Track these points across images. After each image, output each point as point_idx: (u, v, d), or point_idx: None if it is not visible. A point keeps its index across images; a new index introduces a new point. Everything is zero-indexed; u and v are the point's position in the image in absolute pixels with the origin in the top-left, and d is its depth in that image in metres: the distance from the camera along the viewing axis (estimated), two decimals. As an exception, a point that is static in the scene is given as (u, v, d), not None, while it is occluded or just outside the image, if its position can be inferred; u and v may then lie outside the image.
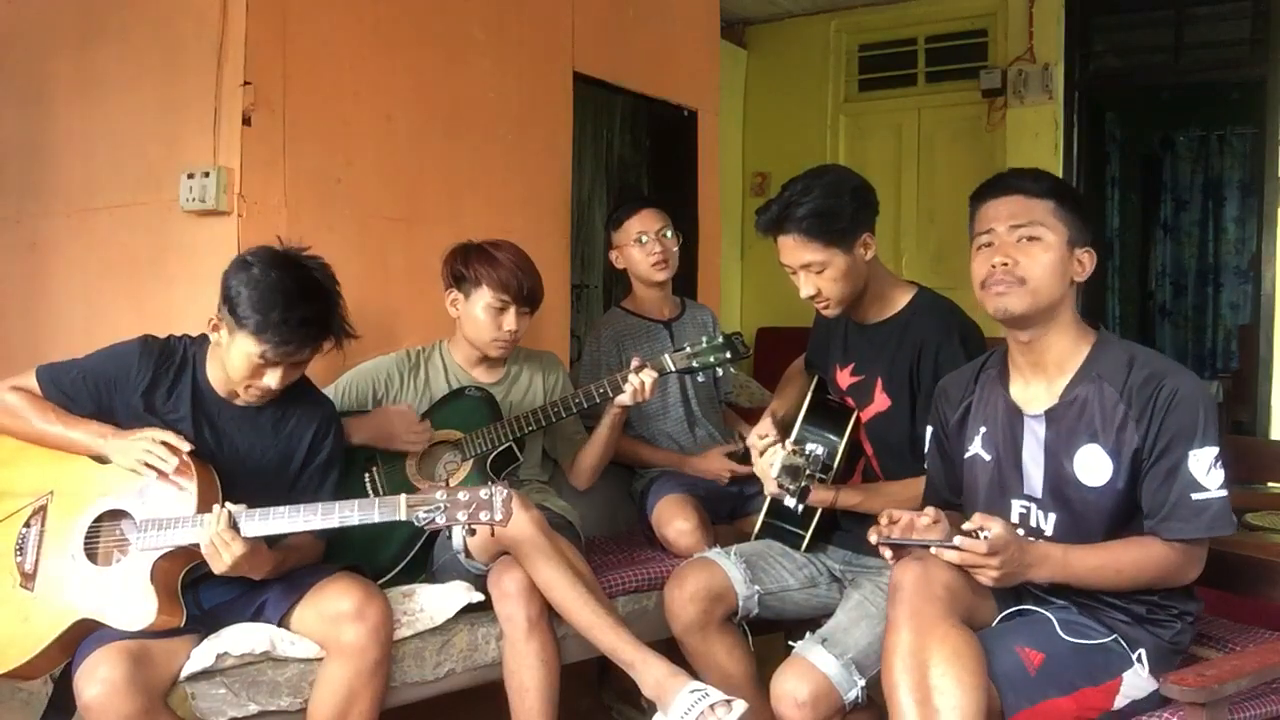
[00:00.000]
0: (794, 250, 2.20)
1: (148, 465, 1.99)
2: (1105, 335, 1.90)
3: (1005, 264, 1.82)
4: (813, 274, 2.20)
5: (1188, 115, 7.10)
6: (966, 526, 1.74)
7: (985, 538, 1.70)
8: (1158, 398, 1.77)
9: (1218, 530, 1.77)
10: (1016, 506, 1.91)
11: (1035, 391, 1.90)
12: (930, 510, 1.84)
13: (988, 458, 1.95)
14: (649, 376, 2.47)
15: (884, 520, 1.83)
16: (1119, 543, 1.81)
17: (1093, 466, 1.82)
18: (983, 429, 1.96)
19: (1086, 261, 1.86)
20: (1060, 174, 5.00)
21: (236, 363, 2.04)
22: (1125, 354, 1.84)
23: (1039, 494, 1.89)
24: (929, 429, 2.10)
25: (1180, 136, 7.29)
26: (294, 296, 2.00)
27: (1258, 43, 4.78)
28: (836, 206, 2.17)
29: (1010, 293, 1.81)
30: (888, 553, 1.83)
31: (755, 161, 5.94)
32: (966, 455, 1.98)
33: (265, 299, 1.98)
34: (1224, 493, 1.76)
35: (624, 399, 2.49)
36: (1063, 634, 1.79)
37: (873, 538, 1.83)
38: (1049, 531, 1.87)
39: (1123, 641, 1.82)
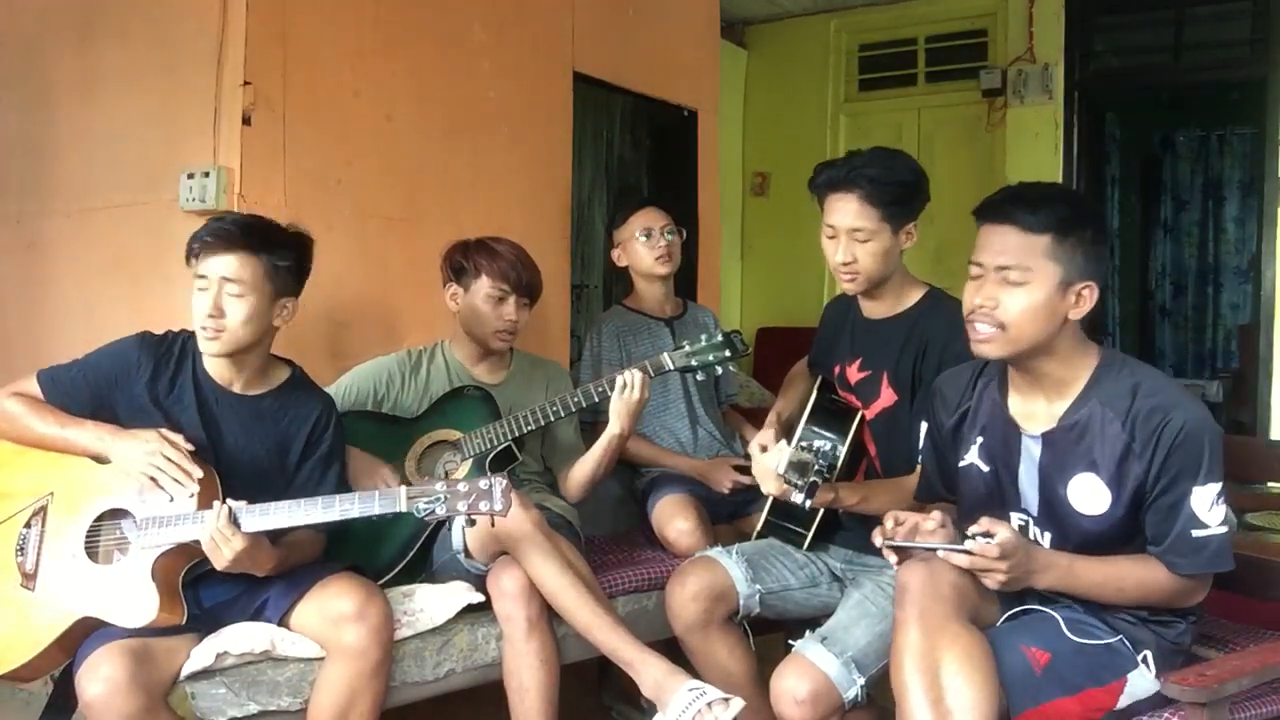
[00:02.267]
0: (848, 211, 2.21)
1: (152, 480, 1.99)
2: (1108, 355, 1.85)
3: (982, 306, 1.78)
4: (856, 241, 2.22)
5: (1188, 115, 7.10)
6: (973, 530, 1.73)
7: (992, 542, 1.68)
8: (1163, 432, 1.73)
9: (1218, 567, 1.76)
10: (1015, 519, 1.89)
11: (1034, 409, 1.87)
12: (936, 514, 1.83)
13: (985, 469, 1.92)
14: (636, 373, 2.41)
15: (889, 523, 1.82)
16: (1126, 559, 1.80)
17: (1088, 495, 1.80)
18: (979, 439, 1.93)
19: (1087, 296, 1.78)
20: (1060, 174, 4.99)
21: (195, 301, 2.08)
22: (1130, 379, 1.79)
23: (1034, 512, 1.88)
24: (923, 425, 2.10)
25: (1180, 136, 7.29)
26: (233, 215, 2.16)
27: (1258, 43, 4.77)
28: (905, 178, 2.23)
29: (989, 341, 1.79)
30: (892, 556, 1.82)
31: (755, 161, 5.94)
32: (962, 463, 1.96)
33: (209, 223, 2.12)
34: (1225, 529, 1.75)
35: (613, 399, 2.42)
36: (1069, 633, 1.79)
37: (877, 540, 1.82)
38: (1046, 547, 1.85)
39: (1127, 642, 1.82)
